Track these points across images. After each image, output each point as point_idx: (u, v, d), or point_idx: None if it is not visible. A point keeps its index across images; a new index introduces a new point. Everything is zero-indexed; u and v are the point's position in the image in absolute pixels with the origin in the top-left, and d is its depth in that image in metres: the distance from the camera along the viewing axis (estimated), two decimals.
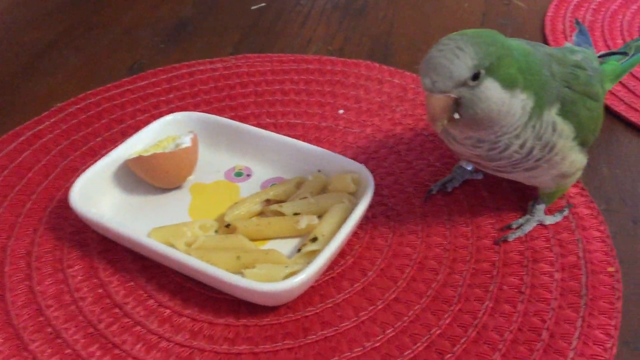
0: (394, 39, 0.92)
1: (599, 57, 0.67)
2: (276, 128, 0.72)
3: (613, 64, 0.65)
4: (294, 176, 0.62)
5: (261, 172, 0.64)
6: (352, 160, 0.60)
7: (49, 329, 0.50)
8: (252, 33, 0.94)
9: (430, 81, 0.45)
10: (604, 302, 0.51)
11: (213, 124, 0.66)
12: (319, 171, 0.62)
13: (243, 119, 0.73)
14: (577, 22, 0.68)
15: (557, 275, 0.53)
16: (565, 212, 0.59)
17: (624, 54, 0.68)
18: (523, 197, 0.61)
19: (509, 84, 0.46)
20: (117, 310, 0.52)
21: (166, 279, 0.54)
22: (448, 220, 0.59)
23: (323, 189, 0.60)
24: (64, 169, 0.67)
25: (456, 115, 0.46)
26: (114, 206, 0.60)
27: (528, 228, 0.57)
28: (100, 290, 0.54)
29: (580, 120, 0.51)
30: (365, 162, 0.65)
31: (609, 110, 0.74)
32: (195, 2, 1.05)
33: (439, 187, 0.62)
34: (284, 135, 0.67)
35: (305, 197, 0.58)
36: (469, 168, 0.62)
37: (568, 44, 0.62)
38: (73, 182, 0.62)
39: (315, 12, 1.00)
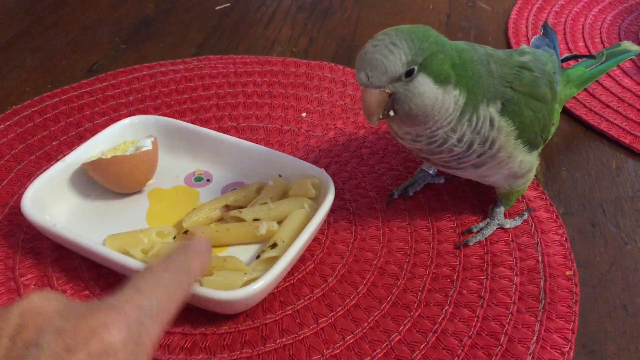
0: (359, 41, 0.91)
1: (565, 60, 0.69)
2: (238, 132, 0.71)
3: (580, 69, 0.67)
4: (254, 181, 0.61)
5: (221, 177, 0.63)
6: (313, 165, 0.59)
7: None
8: (215, 34, 0.93)
9: (366, 76, 0.46)
10: (562, 305, 0.51)
11: (173, 127, 0.65)
12: (280, 176, 0.61)
13: (204, 122, 0.72)
14: (544, 25, 0.68)
15: (517, 279, 0.53)
16: (525, 216, 0.59)
17: (592, 57, 0.69)
18: (484, 201, 0.61)
19: (441, 80, 0.47)
20: None
21: (122, 287, 0.53)
22: (409, 225, 0.59)
23: (284, 194, 0.60)
24: (18, 174, 0.65)
25: (391, 113, 0.48)
26: (69, 212, 0.59)
27: (488, 232, 0.57)
28: None
29: (523, 120, 0.51)
30: (327, 166, 0.65)
31: (568, 114, 0.75)
32: (157, 1, 1.03)
33: (401, 191, 0.61)
34: (246, 138, 0.66)
35: (265, 203, 0.57)
36: (431, 172, 0.62)
37: (524, 46, 0.62)
38: (27, 187, 0.61)
39: (280, 13, 0.99)
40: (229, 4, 1.02)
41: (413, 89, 0.46)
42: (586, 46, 0.88)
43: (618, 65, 0.82)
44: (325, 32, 0.94)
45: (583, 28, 0.92)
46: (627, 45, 0.72)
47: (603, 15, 0.96)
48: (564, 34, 0.91)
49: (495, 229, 0.58)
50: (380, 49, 0.45)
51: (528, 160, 0.54)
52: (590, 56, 0.69)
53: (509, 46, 0.89)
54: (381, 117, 0.48)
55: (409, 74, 0.46)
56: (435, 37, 0.47)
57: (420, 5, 1.01)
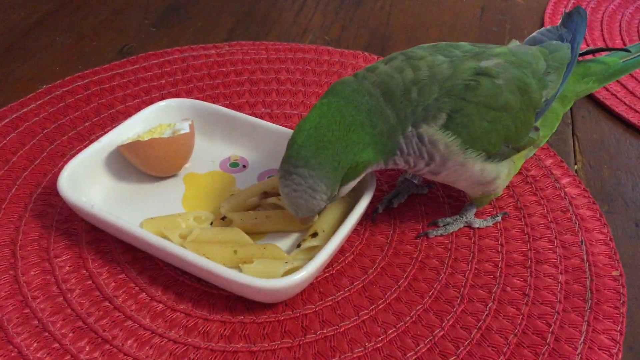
0: (391, 31, 0.90)
1: (592, 52, 0.61)
2: (272, 118, 0.70)
3: (607, 61, 0.60)
4: None
5: (258, 164, 0.62)
6: None
7: (35, 322, 0.48)
8: (246, 20, 0.92)
9: (295, 212, 0.49)
10: (609, 306, 0.50)
11: (209, 112, 0.64)
12: None
13: (237, 108, 0.71)
14: (568, 13, 0.61)
15: (561, 278, 0.52)
16: (498, 219, 0.57)
17: (626, 50, 0.61)
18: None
19: (361, 172, 0.49)
20: (107, 303, 0.50)
21: (159, 272, 0.52)
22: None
23: None
24: (50, 154, 0.64)
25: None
26: (104, 194, 0.58)
27: (453, 228, 0.56)
28: (89, 282, 0.51)
29: (472, 131, 0.49)
30: None
31: (608, 111, 0.73)
32: None
33: (385, 204, 0.59)
34: (280, 125, 0.65)
35: None
36: (415, 181, 0.60)
37: (515, 42, 0.59)
38: (60, 167, 0.60)
39: (312, 1, 0.98)
40: None
41: (340, 194, 0.50)
42: (624, 43, 0.86)
43: None
44: (358, 21, 0.92)
45: (620, 25, 0.91)
46: None
47: None
48: (601, 30, 0.89)
49: (462, 226, 0.57)
50: (301, 194, 0.47)
51: (491, 169, 0.52)
52: (624, 49, 0.61)
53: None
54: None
55: (332, 199, 0.49)
56: (343, 149, 0.47)
57: (450, 2, 1.00)
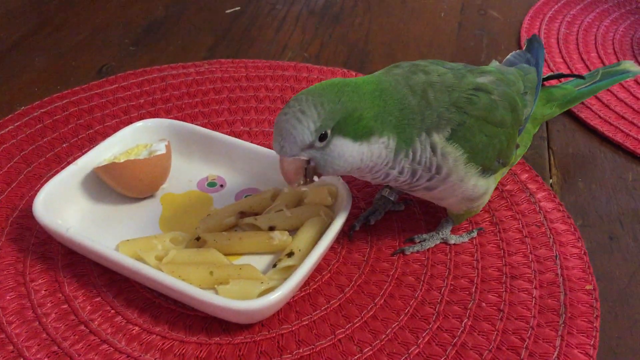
0: (371, 47, 0.91)
1: (550, 78, 0.65)
2: (250, 136, 0.70)
3: (567, 88, 0.64)
4: (268, 187, 0.60)
5: (235, 183, 0.62)
6: None
7: (10, 347, 0.48)
8: (226, 37, 0.92)
9: (279, 146, 0.46)
10: (583, 320, 0.50)
11: (186, 131, 0.64)
12: None
13: (216, 127, 0.71)
14: (529, 40, 0.65)
15: (536, 293, 0.53)
16: (474, 234, 0.58)
17: (581, 77, 0.66)
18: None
19: (361, 136, 0.46)
20: (82, 327, 0.49)
21: (135, 294, 0.52)
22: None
23: (299, 202, 0.59)
24: (27, 176, 0.64)
25: (315, 178, 0.48)
26: (81, 217, 0.58)
27: (429, 244, 0.57)
28: (65, 306, 0.51)
29: (474, 145, 0.49)
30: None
31: (583, 125, 0.74)
32: (167, 3, 1.03)
33: (362, 221, 0.59)
34: (259, 144, 0.66)
35: (280, 210, 0.57)
36: (392, 198, 0.60)
37: (494, 62, 0.61)
38: (37, 190, 0.60)
39: (291, 18, 0.99)
40: (239, 8, 1.01)
41: (331, 153, 0.46)
42: (599, 57, 0.87)
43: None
44: (337, 37, 0.93)
45: (595, 38, 0.92)
46: (628, 65, 0.69)
47: (615, 26, 0.95)
48: (577, 44, 0.90)
49: (438, 242, 0.57)
50: (289, 117, 0.45)
51: (482, 184, 0.53)
52: (578, 76, 0.66)
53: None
54: (304, 182, 0.48)
55: (322, 139, 0.45)
56: (349, 94, 0.45)
57: (432, 13, 1.01)
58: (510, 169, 0.65)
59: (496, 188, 0.63)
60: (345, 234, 0.58)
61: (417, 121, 0.48)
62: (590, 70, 0.84)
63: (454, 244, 0.57)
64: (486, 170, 0.52)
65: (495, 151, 0.52)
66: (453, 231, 0.58)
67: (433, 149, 0.48)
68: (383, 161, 0.48)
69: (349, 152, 0.46)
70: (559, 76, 0.67)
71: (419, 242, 0.57)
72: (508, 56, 0.63)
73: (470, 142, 0.49)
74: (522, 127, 0.56)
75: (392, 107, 0.47)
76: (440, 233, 0.57)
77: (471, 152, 0.50)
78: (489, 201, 0.62)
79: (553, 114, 0.63)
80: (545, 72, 0.83)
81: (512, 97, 0.53)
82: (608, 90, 0.79)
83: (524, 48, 0.66)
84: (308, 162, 0.47)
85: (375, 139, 0.46)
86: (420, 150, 0.48)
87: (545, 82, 0.65)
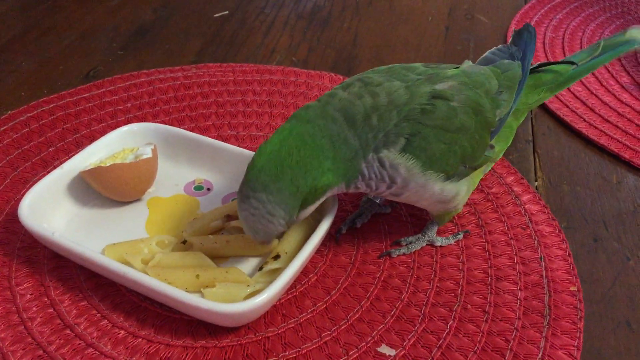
0: (358, 51, 0.91)
1: (542, 66, 0.61)
2: (238, 140, 0.70)
3: (557, 70, 0.60)
4: None
5: (222, 186, 0.62)
6: None
7: None
8: (214, 42, 0.93)
9: (253, 236, 0.49)
10: (567, 322, 0.51)
11: (172, 135, 0.64)
12: None
13: (204, 131, 0.72)
14: (517, 31, 0.62)
15: (521, 294, 0.53)
16: (459, 237, 0.58)
17: (572, 63, 0.61)
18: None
19: (318, 197, 0.49)
20: (68, 331, 0.49)
21: (121, 298, 0.52)
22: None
23: None
24: (13, 181, 0.64)
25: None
26: (67, 221, 0.58)
27: (415, 247, 0.57)
28: (50, 310, 0.51)
29: (430, 154, 0.50)
30: None
31: (568, 127, 0.75)
32: (155, 8, 1.03)
33: (348, 224, 0.59)
34: (246, 147, 0.66)
35: None
36: (378, 201, 0.61)
37: (467, 62, 0.58)
38: (23, 194, 0.60)
39: (279, 22, 0.99)
40: (227, 12, 1.02)
41: (298, 220, 0.50)
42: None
43: (617, 81, 0.83)
44: (325, 41, 0.94)
45: (581, 42, 0.93)
46: (635, 32, 0.62)
47: (600, 30, 0.96)
48: (563, 47, 0.91)
49: (424, 245, 0.58)
50: (259, 219, 0.48)
51: (450, 188, 0.53)
52: (570, 62, 0.61)
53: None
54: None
55: (292, 221, 0.49)
56: (301, 173, 0.47)
57: (419, 17, 1.01)
58: (496, 171, 0.65)
59: (481, 190, 0.63)
60: (332, 236, 0.58)
61: (359, 152, 0.49)
62: None
63: (440, 246, 0.58)
64: (451, 176, 0.52)
65: (457, 157, 0.51)
66: (439, 233, 0.59)
67: (382, 164, 0.50)
68: (338, 191, 0.51)
69: (311, 210, 0.50)
70: (545, 64, 0.62)
71: (405, 244, 0.57)
72: (486, 53, 0.60)
73: (426, 152, 0.50)
74: (496, 127, 0.55)
75: (337, 158, 0.49)
76: (426, 235, 0.58)
77: (428, 161, 0.50)
78: (474, 204, 0.62)
79: (543, 99, 0.61)
80: None
81: (476, 101, 0.52)
82: (592, 93, 0.80)
83: (509, 41, 0.63)
84: None
85: (329, 191, 0.50)
86: (368, 170, 0.50)
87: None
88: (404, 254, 0.57)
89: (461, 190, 0.54)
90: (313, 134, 0.48)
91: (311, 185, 0.48)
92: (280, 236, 0.51)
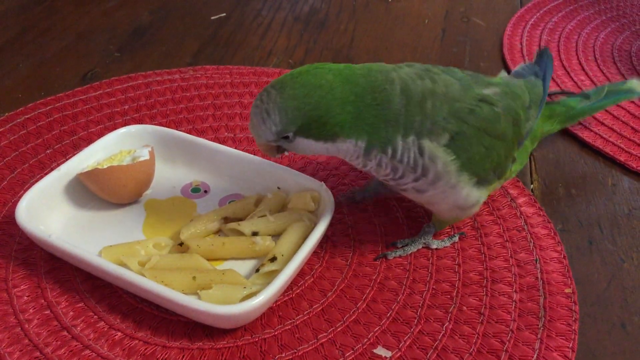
0: (355, 53, 0.92)
1: (554, 94, 0.65)
2: (235, 142, 0.71)
3: (568, 104, 0.65)
4: (252, 193, 0.61)
5: (219, 189, 0.63)
6: (312, 178, 0.59)
7: None
8: (211, 43, 0.93)
9: (250, 126, 0.50)
10: (562, 323, 0.51)
11: (170, 137, 0.64)
12: (279, 188, 0.60)
13: (201, 133, 0.72)
14: (540, 53, 0.64)
15: (516, 296, 0.53)
16: (455, 239, 0.59)
17: (586, 96, 0.66)
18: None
19: (324, 138, 0.48)
20: (65, 333, 0.49)
21: (118, 299, 0.52)
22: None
23: (282, 207, 0.59)
24: (10, 183, 0.64)
25: (286, 153, 0.52)
26: (64, 223, 0.58)
27: (412, 249, 0.57)
28: (47, 312, 0.51)
29: (471, 154, 0.50)
30: (325, 179, 0.65)
31: (564, 130, 0.75)
32: (152, 9, 1.03)
33: (348, 195, 0.62)
34: (243, 150, 0.66)
35: (264, 215, 0.57)
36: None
37: (502, 73, 0.61)
38: (20, 196, 0.60)
39: (276, 24, 0.99)
40: (224, 14, 1.02)
41: (295, 146, 0.49)
42: (580, 63, 0.89)
43: None
44: (322, 43, 0.94)
45: (577, 46, 0.93)
46: (634, 84, 0.68)
47: (596, 33, 0.97)
48: (558, 51, 0.92)
49: (420, 247, 0.58)
50: (258, 112, 0.48)
51: (475, 195, 0.53)
52: (584, 95, 0.66)
53: (504, 61, 0.89)
54: (282, 154, 0.53)
55: (285, 137, 0.48)
56: (318, 98, 0.46)
57: (416, 20, 1.02)
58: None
59: None
60: (328, 238, 0.58)
61: (401, 126, 0.48)
62: (571, 77, 0.85)
63: (436, 249, 0.58)
64: (481, 181, 0.52)
65: (493, 163, 0.52)
66: (435, 236, 0.59)
67: (421, 151, 0.49)
68: (352, 155, 0.50)
69: (313, 147, 0.49)
70: (564, 92, 0.66)
71: (402, 247, 0.58)
72: (517, 68, 0.63)
73: (467, 152, 0.50)
74: (522, 141, 0.56)
75: (369, 112, 0.47)
76: (422, 238, 0.58)
77: (466, 161, 0.50)
78: None
79: (552, 130, 0.64)
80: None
81: (516, 111, 0.53)
82: None
83: (533, 60, 0.65)
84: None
85: (341, 140, 0.48)
86: (403, 150, 0.49)
87: (548, 98, 0.64)
88: (400, 256, 0.57)
89: (482, 199, 0.55)
90: (362, 81, 0.48)
91: (321, 114, 0.46)
92: (273, 150, 0.51)
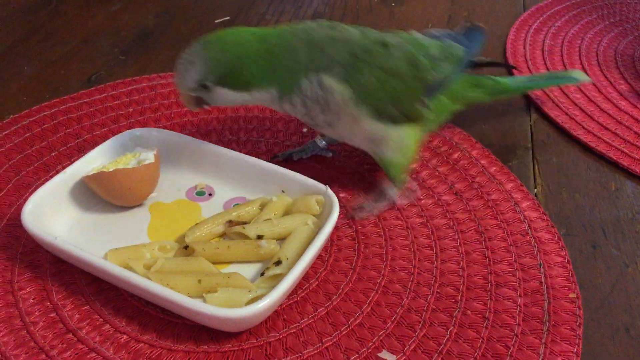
0: None
1: (486, 64, 0.75)
2: (239, 145, 0.71)
3: (499, 81, 0.70)
4: (257, 196, 0.61)
5: (223, 192, 0.63)
6: (316, 182, 0.59)
7: None
8: None
9: (175, 78, 0.57)
10: (566, 328, 0.51)
11: (174, 140, 0.65)
12: (283, 192, 0.61)
13: (205, 136, 0.72)
14: (469, 27, 0.71)
15: (520, 301, 0.53)
16: (414, 197, 0.64)
17: (514, 68, 0.78)
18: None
19: (240, 88, 0.56)
20: (70, 335, 0.50)
21: (123, 302, 0.52)
22: (412, 243, 0.59)
23: (287, 211, 0.59)
24: (16, 185, 0.64)
25: (205, 106, 0.59)
26: (69, 225, 0.58)
27: (379, 206, 0.62)
28: (53, 315, 0.51)
29: (362, 86, 0.56)
30: (329, 182, 0.65)
31: (567, 134, 0.75)
32: (157, 13, 1.03)
33: (287, 155, 0.68)
34: (247, 153, 0.66)
35: (268, 219, 0.57)
36: (321, 145, 0.69)
37: (413, 31, 0.66)
38: (26, 198, 0.60)
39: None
40: (228, 17, 1.02)
41: (214, 96, 0.57)
42: (583, 68, 0.89)
43: (615, 88, 0.83)
44: None
45: (580, 50, 0.94)
46: (576, 74, 0.75)
47: (599, 38, 0.97)
48: (561, 55, 0.92)
49: (386, 203, 0.62)
50: (183, 61, 0.55)
51: (380, 128, 0.59)
52: (510, 66, 0.77)
53: (508, 68, 0.89)
54: (199, 107, 0.59)
55: (205, 87, 0.56)
56: (235, 52, 0.54)
57: (419, 24, 1.02)
58: (496, 178, 0.66)
59: (480, 197, 0.64)
60: (332, 242, 0.59)
61: (304, 66, 0.56)
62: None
63: (400, 204, 0.62)
64: (382, 116, 0.58)
65: (387, 96, 0.58)
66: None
67: (320, 85, 0.56)
68: (267, 101, 0.58)
69: (230, 96, 0.57)
70: (495, 63, 0.76)
71: (367, 207, 0.62)
72: (432, 30, 0.69)
73: (360, 83, 0.56)
74: (432, 86, 0.61)
75: (278, 61, 0.55)
76: (385, 195, 0.62)
77: (361, 92, 0.56)
78: (473, 210, 0.62)
79: (481, 100, 0.70)
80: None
81: (414, 54, 0.60)
82: (591, 101, 0.80)
83: (461, 32, 0.71)
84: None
85: (255, 89, 0.56)
86: (307, 87, 0.56)
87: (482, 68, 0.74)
88: (367, 217, 0.61)
89: (391, 134, 0.60)
90: (273, 40, 0.56)
91: (238, 66, 0.54)
92: (192, 101, 0.58)
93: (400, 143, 0.61)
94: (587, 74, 0.87)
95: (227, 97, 0.57)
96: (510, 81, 0.72)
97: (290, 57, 0.56)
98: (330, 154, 0.69)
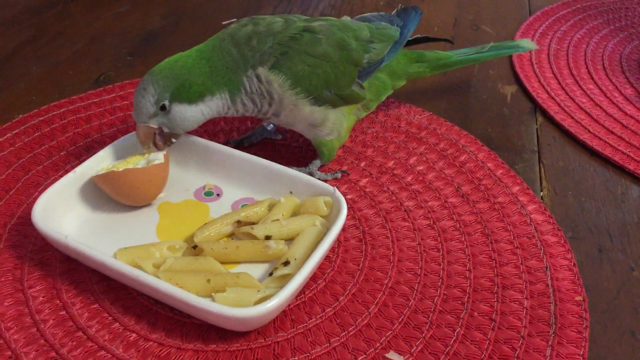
0: None
1: (421, 41, 0.75)
2: (247, 146, 0.71)
3: (442, 54, 0.73)
4: (264, 197, 0.61)
5: (232, 192, 0.63)
6: (324, 183, 0.60)
7: (8, 353, 0.48)
8: None
9: (133, 115, 0.59)
10: (572, 331, 0.51)
11: (183, 141, 0.65)
12: (291, 192, 0.61)
13: (213, 136, 0.72)
14: (403, 9, 0.73)
15: (527, 303, 0.54)
16: (338, 175, 0.66)
17: (450, 42, 0.81)
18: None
19: (195, 99, 0.58)
20: (80, 333, 0.50)
21: (132, 301, 0.53)
22: (419, 245, 0.59)
23: (295, 212, 0.60)
24: (25, 184, 0.64)
25: (173, 140, 0.61)
26: (79, 224, 0.58)
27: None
28: (62, 313, 0.52)
29: (295, 73, 0.60)
30: (337, 184, 0.65)
31: (573, 138, 0.75)
32: (164, 14, 1.04)
33: (237, 141, 0.71)
34: (254, 154, 0.66)
35: (277, 220, 0.57)
36: (269, 128, 0.72)
37: (346, 17, 0.69)
38: (35, 197, 0.61)
39: None
40: (235, 19, 1.02)
41: (174, 118, 0.59)
42: (589, 72, 0.89)
43: (621, 93, 0.84)
44: None
45: (585, 54, 0.94)
46: (523, 42, 0.75)
47: (604, 42, 0.97)
48: (567, 59, 0.92)
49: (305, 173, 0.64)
50: (138, 92, 0.58)
51: (319, 112, 0.62)
52: (447, 40, 0.79)
53: (513, 69, 0.90)
54: (157, 146, 0.60)
55: (163, 108, 0.58)
56: (179, 68, 0.58)
57: (425, 27, 1.02)
58: (502, 181, 0.66)
59: (487, 200, 0.64)
60: (340, 243, 0.59)
61: (241, 65, 0.59)
62: (580, 85, 0.85)
63: (319, 179, 0.63)
64: (319, 100, 0.62)
65: (321, 80, 0.61)
66: (322, 169, 0.67)
67: (259, 79, 0.59)
68: (224, 108, 0.60)
69: (189, 113, 0.59)
70: (427, 40, 0.76)
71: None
72: (366, 14, 0.72)
73: (292, 70, 0.60)
74: (366, 69, 0.64)
75: (218, 66, 0.59)
76: (308, 168, 0.66)
77: (295, 79, 0.60)
78: (480, 212, 0.63)
79: (423, 74, 0.73)
80: (535, 86, 0.84)
81: (342, 39, 0.63)
82: (597, 105, 0.81)
83: (396, 14, 0.73)
84: (161, 130, 0.59)
85: (209, 97, 0.59)
86: (249, 84, 0.59)
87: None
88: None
89: (329, 116, 0.63)
90: (206, 49, 0.60)
91: (184, 79, 0.57)
92: (151, 134, 0.59)
93: (338, 125, 0.64)
94: (593, 78, 0.88)
95: (186, 113, 0.59)
96: (453, 53, 0.74)
97: (226, 60, 0.59)
98: (280, 137, 0.72)
